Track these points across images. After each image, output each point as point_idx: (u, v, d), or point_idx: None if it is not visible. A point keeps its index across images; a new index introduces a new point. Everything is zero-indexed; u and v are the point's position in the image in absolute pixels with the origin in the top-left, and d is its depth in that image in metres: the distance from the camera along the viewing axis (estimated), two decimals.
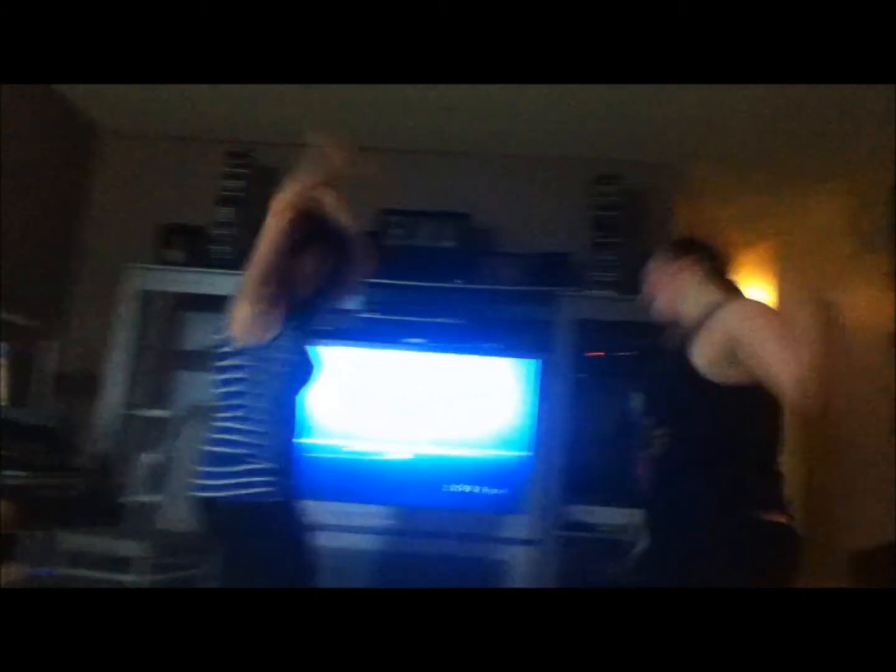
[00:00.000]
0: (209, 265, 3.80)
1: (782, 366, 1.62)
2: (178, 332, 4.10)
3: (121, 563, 2.87)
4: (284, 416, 2.03)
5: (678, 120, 3.70)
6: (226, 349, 1.99)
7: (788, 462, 2.00)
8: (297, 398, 2.08)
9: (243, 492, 1.92)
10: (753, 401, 1.76)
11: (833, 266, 4.07)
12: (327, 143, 2.00)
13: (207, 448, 2.00)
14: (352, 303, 3.74)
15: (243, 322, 1.96)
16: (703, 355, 1.78)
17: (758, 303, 1.89)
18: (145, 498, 3.20)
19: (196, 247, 3.90)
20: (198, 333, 4.00)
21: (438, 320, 3.69)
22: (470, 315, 3.70)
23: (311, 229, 2.05)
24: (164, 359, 4.04)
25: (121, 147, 4.29)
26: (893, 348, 3.50)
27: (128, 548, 2.86)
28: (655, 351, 2.04)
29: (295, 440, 2.06)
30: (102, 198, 4.26)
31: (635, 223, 4.00)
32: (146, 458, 3.38)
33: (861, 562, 3.15)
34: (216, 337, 2.02)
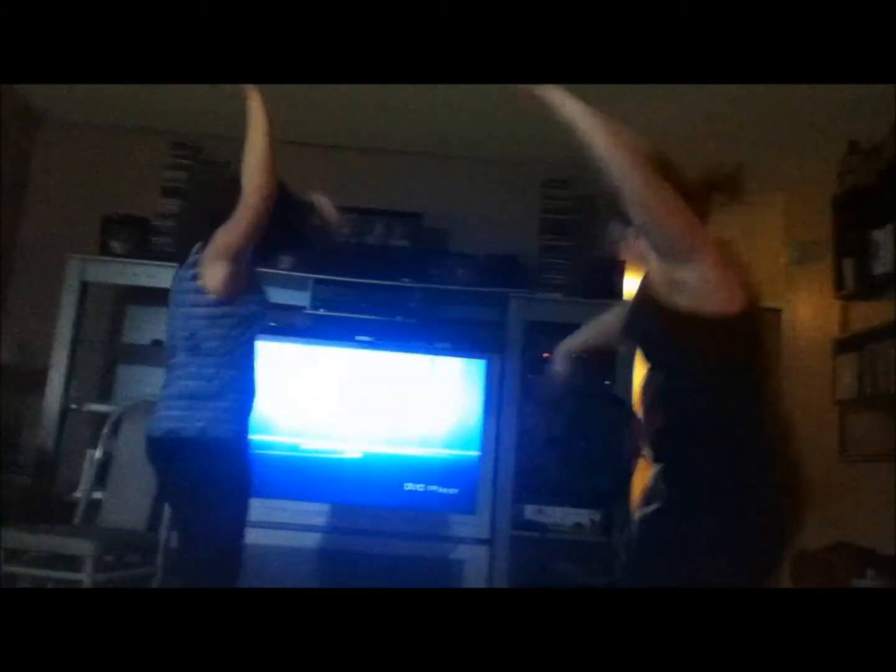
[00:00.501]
0: (152, 257, 3.74)
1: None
2: (121, 324, 4.03)
3: (64, 561, 2.81)
4: (248, 358, 2.21)
5: (630, 126, 3.76)
6: (193, 296, 2.13)
7: None
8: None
9: (214, 427, 2.07)
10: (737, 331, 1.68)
11: (776, 275, 4.20)
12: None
13: (172, 387, 2.14)
14: (301, 299, 3.73)
15: (220, 279, 2.09)
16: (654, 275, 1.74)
17: None
18: (89, 494, 3.13)
19: (139, 238, 3.83)
20: (141, 326, 3.93)
21: (388, 318, 3.69)
22: (420, 314, 3.72)
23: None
24: (107, 352, 3.97)
25: (64, 136, 4.18)
26: (836, 355, 3.60)
27: (71, 545, 2.79)
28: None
29: (253, 380, 2.23)
30: (45, 187, 4.14)
31: (584, 227, 4.07)
32: (90, 454, 3.30)
33: (799, 564, 3.25)
34: (187, 283, 2.15)
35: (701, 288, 1.65)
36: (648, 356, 1.78)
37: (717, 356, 1.67)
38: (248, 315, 2.17)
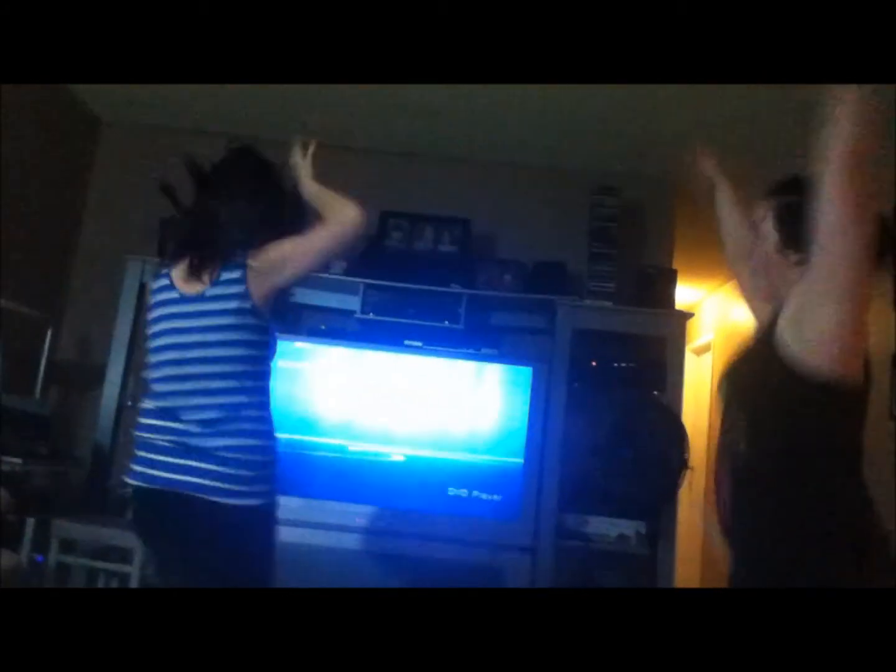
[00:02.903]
0: None
1: None
2: None
3: (116, 553, 2.90)
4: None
5: (677, 134, 3.75)
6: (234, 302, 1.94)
7: None
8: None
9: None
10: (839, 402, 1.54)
11: None
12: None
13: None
14: (352, 303, 3.78)
15: (270, 292, 1.99)
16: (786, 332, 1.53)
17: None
18: None
19: None
20: None
21: (436, 323, 3.72)
22: (467, 320, 3.74)
23: None
24: None
25: (123, 139, 4.31)
26: (894, 370, 3.51)
27: (120, 538, 2.88)
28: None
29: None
30: (104, 189, 4.28)
31: (633, 235, 4.06)
32: None
33: None
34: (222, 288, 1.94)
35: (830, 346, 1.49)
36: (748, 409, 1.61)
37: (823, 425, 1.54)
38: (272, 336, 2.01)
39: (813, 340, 1.49)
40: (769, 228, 1.71)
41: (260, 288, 1.90)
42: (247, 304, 1.88)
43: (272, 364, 1.99)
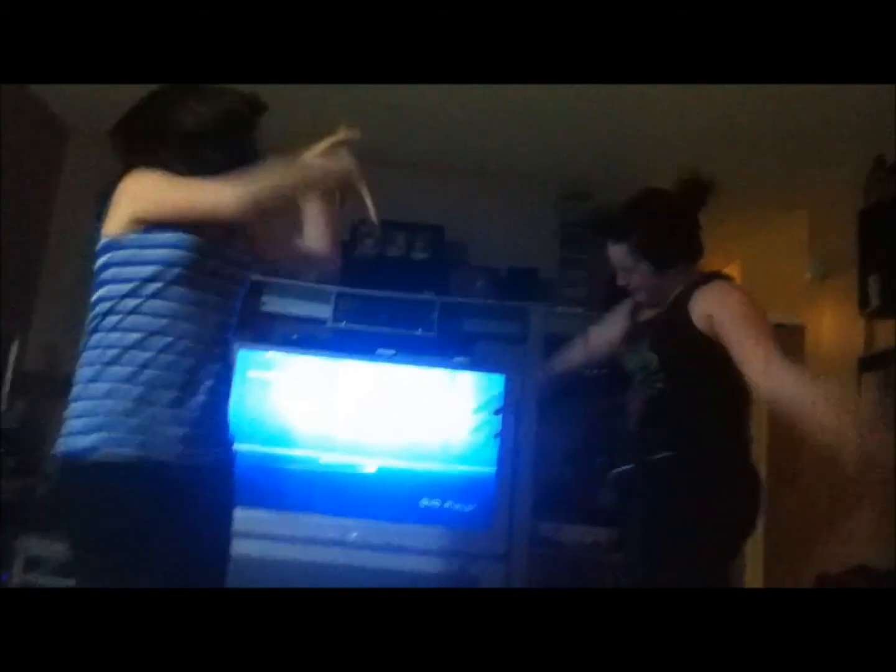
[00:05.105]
0: None
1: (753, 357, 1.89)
2: None
3: None
4: None
5: (649, 140, 3.76)
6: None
7: None
8: None
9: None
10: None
11: (799, 291, 4.15)
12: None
13: None
14: (323, 312, 3.75)
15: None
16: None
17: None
18: None
19: None
20: None
21: (409, 331, 3.69)
22: (440, 327, 3.72)
23: None
24: None
25: (93, 147, 4.24)
26: (860, 374, 3.55)
27: None
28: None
29: None
30: (74, 198, 4.21)
31: (605, 240, 4.05)
32: None
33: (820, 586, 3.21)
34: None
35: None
36: (666, 367, 2.10)
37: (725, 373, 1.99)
38: None
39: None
40: (638, 264, 2.16)
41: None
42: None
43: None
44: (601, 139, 3.82)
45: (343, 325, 3.72)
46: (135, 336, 1.67)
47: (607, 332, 2.45)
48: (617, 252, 2.19)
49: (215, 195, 1.66)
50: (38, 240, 4.11)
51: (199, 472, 1.70)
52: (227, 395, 1.82)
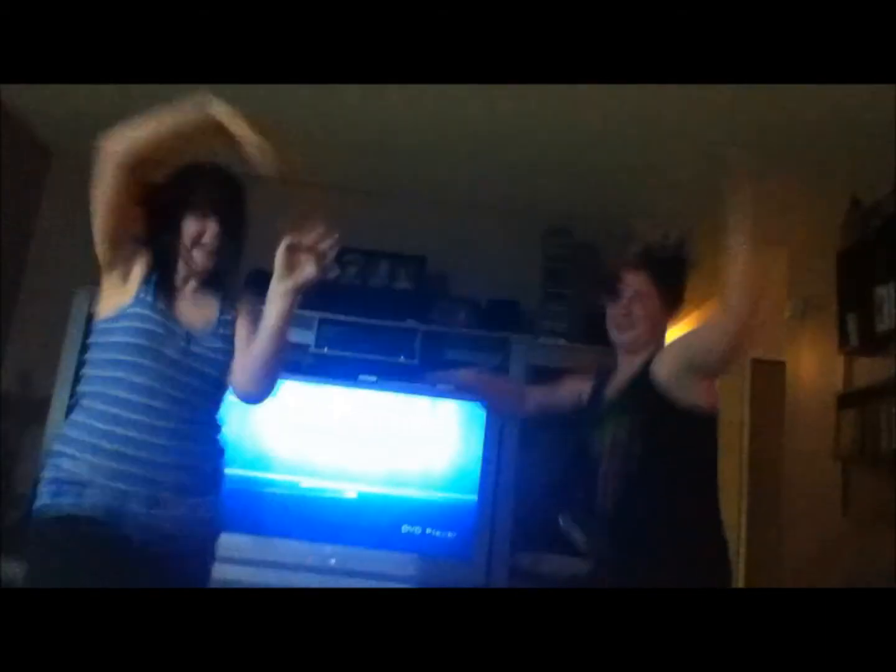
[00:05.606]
0: None
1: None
2: None
3: None
4: None
5: (631, 175, 3.81)
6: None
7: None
8: None
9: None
10: (705, 427, 2.04)
11: (779, 328, 4.20)
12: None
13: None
14: (306, 338, 3.74)
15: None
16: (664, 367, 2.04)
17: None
18: None
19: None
20: None
21: (391, 358, 3.69)
22: (422, 355, 3.72)
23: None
24: None
25: (71, 167, 4.23)
26: (839, 410, 3.58)
27: None
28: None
29: None
30: (51, 218, 4.19)
31: (586, 274, 4.09)
32: None
33: None
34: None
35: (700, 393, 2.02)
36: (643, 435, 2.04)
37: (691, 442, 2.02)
38: None
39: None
40: (648, 288, 2.23)
41: None
42: None
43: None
44: (584, 174, 3.88)
45: (325, 350, 3.71)
46: None
47: (574, 386, 2.52)
48: (638, 278, 2.25)
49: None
50: (14, 263, 4.06)
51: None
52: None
